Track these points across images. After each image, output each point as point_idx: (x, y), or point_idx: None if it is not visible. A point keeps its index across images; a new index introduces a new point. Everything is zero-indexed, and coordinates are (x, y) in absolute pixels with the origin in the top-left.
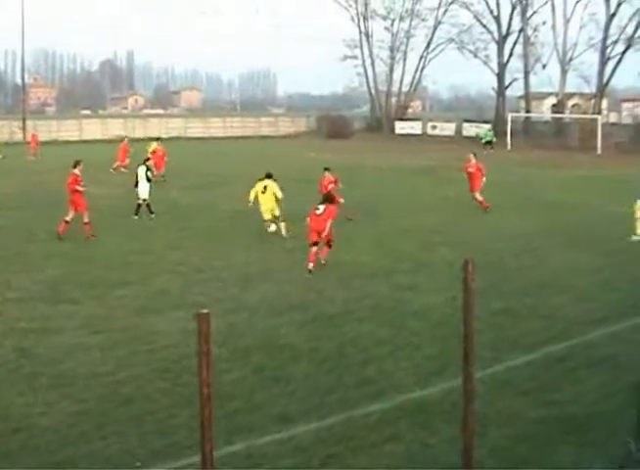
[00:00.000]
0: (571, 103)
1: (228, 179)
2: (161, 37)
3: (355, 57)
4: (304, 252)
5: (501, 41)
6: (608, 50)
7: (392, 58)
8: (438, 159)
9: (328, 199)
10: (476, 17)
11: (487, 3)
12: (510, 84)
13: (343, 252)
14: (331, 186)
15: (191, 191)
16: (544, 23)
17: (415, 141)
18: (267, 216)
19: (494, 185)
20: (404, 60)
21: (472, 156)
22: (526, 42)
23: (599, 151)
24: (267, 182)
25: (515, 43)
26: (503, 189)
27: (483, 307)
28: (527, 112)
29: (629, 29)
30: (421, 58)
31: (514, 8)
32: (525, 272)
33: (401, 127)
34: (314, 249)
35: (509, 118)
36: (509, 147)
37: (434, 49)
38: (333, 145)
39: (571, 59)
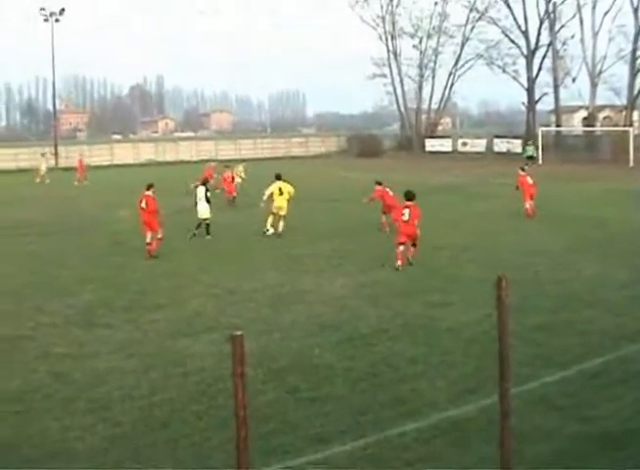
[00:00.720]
0: (601, 116)
1: (256, 200)
2: (191, 59)
3: (384, 75)
4: (335, 270)
5: (530, 56)
6: (637, 62)
7: (421, 75)
8: (470, 175)
9: (409, 197)
10: (503, 32)
11: (515, 18)
12: (540, 98)
13: (375, 269)
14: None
15: (219, 211)
16: (572, 36)
17: (446, 158)
18: (274, 215)
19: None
20: (433, 77)
21: (520, 170)
22: (555, 56)
23: (631, 163)
24: (281, 184)
25: (544, 57)
26: (535, 203)
27: (518, 323)
28: (558, 126)
29: None
30: (450, 74)
31: (542, 22)
32: (559, 287)
33: (432, 145)
34: (401, 248)
35: (540, 133)
36: (540, 161)
37: (462, 65)
38: (363, 164)
39: (600, 71)
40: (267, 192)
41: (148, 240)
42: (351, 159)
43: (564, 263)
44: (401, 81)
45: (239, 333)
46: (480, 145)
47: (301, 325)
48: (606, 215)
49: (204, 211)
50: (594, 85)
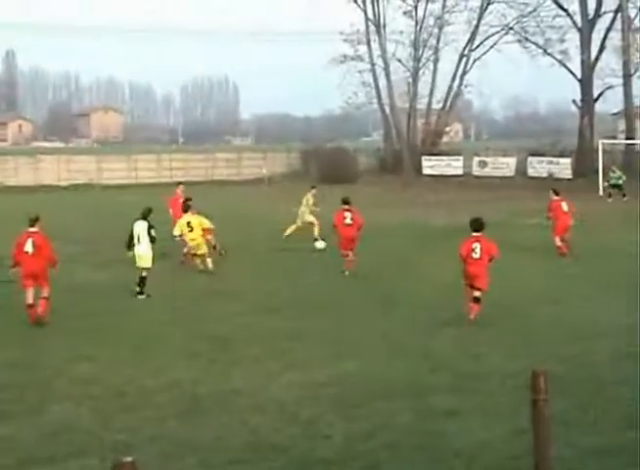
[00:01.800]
0: None
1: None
2: (59, 28)
3: (360, 58)
4: (280, 360)
5: (587, 28)
6: None
7: (417, 59)
8: (491, 212)
9: (476, 226)
10: None
11: None
12: (601, 95)
13: (345, 357)
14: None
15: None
16: None
17: (454, 186)
18: (198, 254)
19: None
20: (435, 62)
21: (552, 193)
22: (627, 29)
23: None
24: (189, 218)
25: (608, 31)
26: (592, 256)
27: (565, 444)
28: (629, 137)
29: None
30: (461, 58)
31: None
32: (628, 389)
33: (432, 166)
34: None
35: (600, 147)
36: (601, 192)
37: (481, 43)
38: (328, 194)
39: None
40: (175, 230)
41: (30, 301)
42: (309, 185)
43: (632, 353)
44: (386, 67)
45: (128, 460)
46: (506, 166)
47: (226, 445)
48: None
49: (144, 256)
50: None
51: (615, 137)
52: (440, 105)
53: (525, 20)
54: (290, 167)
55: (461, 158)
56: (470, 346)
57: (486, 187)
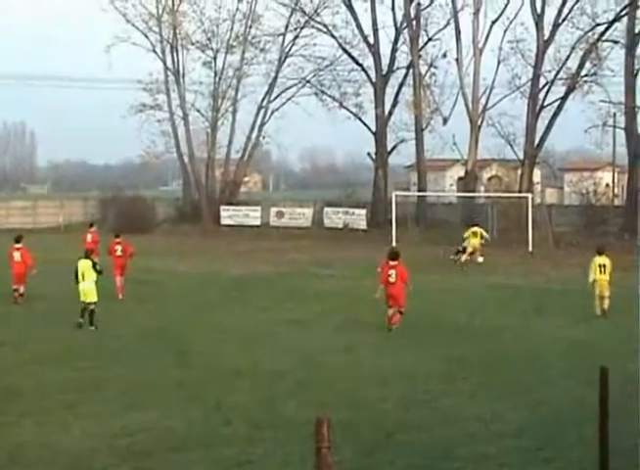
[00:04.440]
0: (487, 175)
1: None
2: None
3: (159, 107)
4: (72, 410)
5: (381, 83)
6: (541, 95)
7: (216, 109)
8: (285, 263)
9: (392, 256)
10: (341, 46)
11: (359, 26)
12: (394, 148)
13: (139, 407)
14: None
15: None
16: (445, 55)
17: (251, 235)
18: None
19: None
20: (234, 112)
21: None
22: (418, 85)
23: (530, 247)
24: (84, 265)
25: (400, 86)
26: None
27: None
28: (421, 189)
29: (572, 63)
30: (259, 109)
31: (399, 33)
32: (416, 434)
33: (230, 215)
34: (390, 311)
35: (394, 199)
36: (394, 242)
37: (279, 95)
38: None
39: (485, 109)
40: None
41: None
42: (106, 234)
43: (420, 400)
44: (185, 117)
45: None
46: (303, 217)
47: None
48: (495, 324)
49: (89, 291)
50: (475, 129)
51: (407, 189)
52: (239, 155)
53: (321, 73)
54: (87, 216)
55: (259, 208)
56: (264, 395)
57: (284, 237)
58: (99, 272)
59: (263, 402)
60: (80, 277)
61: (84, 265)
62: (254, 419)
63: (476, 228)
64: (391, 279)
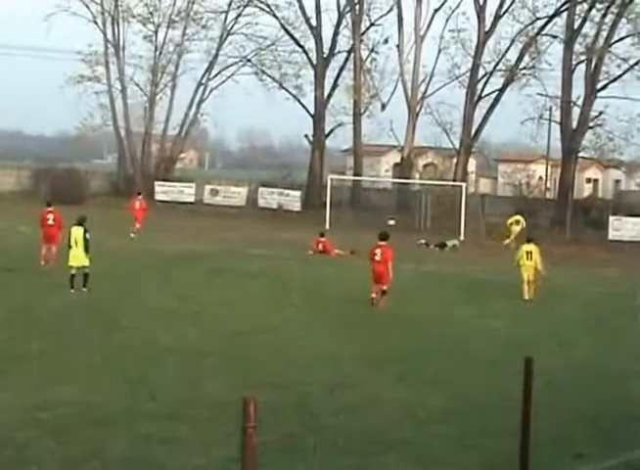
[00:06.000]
0: (422, 162)
1: None
2: None
3: (98, 79)
4: None
5: (321, 66)
6: (479, 85)
7: (155, 84)
8: (218, 242)
9: (382, 237)
10: (284, 27)
11: (302, 7)
12: (332, 131)
13: (63, 382)
14: None
15: None
16: (386, 40)
17: (185, 212)
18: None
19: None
20: (173, 88)
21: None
22: (359, 69)
23: (462, 236)
24: (76, 232)
25: (341, 69)
26: (317, 285)
27: None
28: (357, 174)
29: (511, 56)
30: (198, 86)
31: (341, 16)
32: (352, 419)
33: (164, 191)
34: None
35: (329, 182)
36: (327, 225)
37: (219, 73)
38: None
39: (424, 96)
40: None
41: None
42: (39, 204)
43: (350, 383)
44: (123, 90)
45: None
46: (238, 195)
47: None
48: (421, 313)
49: (81, 255)
50: (413, 116)
51: (343, 173)
52: (176, 131)
53: (262, 53)
54: (21, 186)
55: (193, 185)
56: (190, 373)
57: (217, 215)
58: (87, 241)
59: (188, 380)
60: (73, 243)
61: (77, 233)
62: (179, 396)
63: (518, 217)
64: (377, 257)
